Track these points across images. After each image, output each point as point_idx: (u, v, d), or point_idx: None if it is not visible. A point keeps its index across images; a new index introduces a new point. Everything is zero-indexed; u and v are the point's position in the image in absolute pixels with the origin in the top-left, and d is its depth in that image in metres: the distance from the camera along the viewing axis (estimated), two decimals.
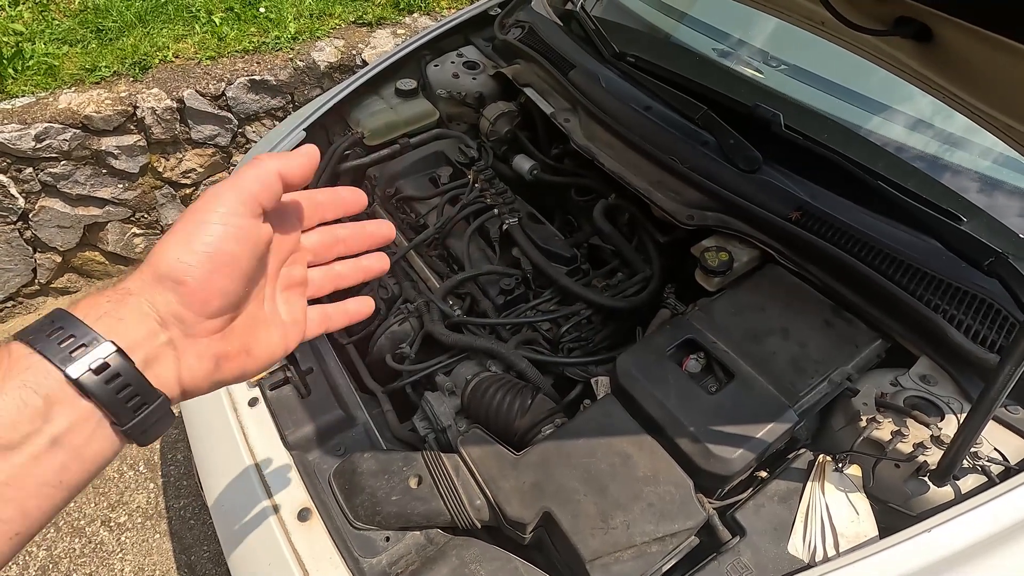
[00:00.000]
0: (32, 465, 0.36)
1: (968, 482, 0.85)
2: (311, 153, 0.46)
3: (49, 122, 2.22)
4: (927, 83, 0.96)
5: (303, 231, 0.52)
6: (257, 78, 2.55)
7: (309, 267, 0.52)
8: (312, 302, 0.53)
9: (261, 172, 0.44)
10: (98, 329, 0.38)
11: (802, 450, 0.93)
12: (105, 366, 0.38)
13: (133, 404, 0.39)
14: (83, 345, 0.38)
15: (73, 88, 2.36)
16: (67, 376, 0.37)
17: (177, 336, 0.41)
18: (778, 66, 1.45)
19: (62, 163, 2.31)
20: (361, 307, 0.56)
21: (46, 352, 0.37)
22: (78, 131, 2.28)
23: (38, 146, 2.22)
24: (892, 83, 1.03)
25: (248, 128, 2.66)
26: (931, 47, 0.91)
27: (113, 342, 0.38)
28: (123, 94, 2.36)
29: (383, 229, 0.55)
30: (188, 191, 2.69)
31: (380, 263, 0.56)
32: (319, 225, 0.53)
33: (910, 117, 1.24)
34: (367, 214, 1.52)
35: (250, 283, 0.45)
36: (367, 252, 0.55)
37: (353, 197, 0.53)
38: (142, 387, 0.39)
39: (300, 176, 0.46)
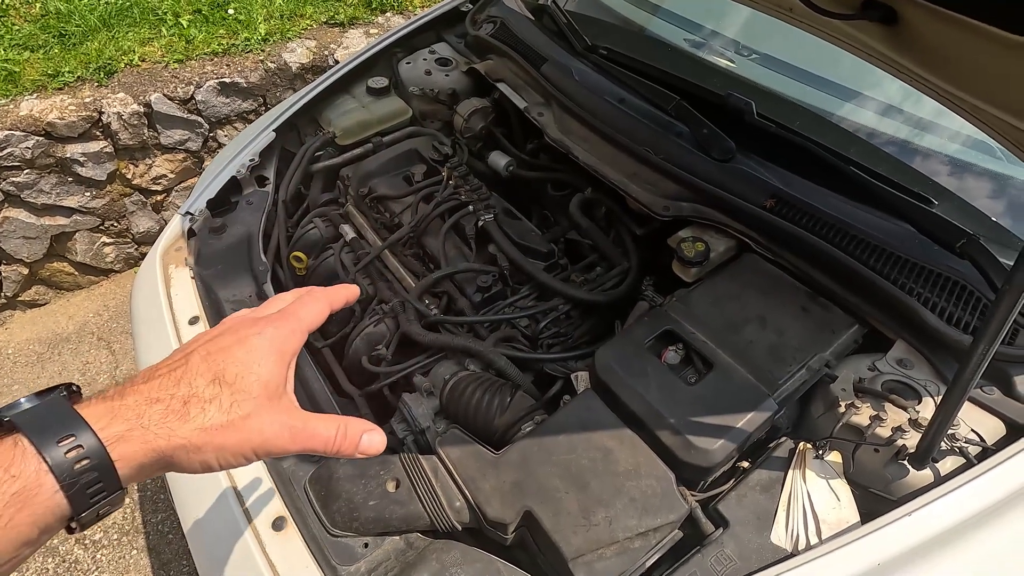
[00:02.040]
0: None
1: (947, 464, 0.85)
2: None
3: (10, 130, 2.15)
4: (895, 67, 0.96)
5: None
6: (227, 81, 2.50)
7: None
8: None
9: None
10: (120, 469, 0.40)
11: (783, 438, 0.92)
12: (103, 490, 0.39)
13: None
14: (104, 491, 0.39)
15: (35, 94, 2.29)
16: (71, 520, 0.39)
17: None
18: (750, 55, 1.45)
19: (25, 172, 2.24)
20: None
21: (75, 503, 0.38)
22: (41, 138, 2.21)
23: None
24: (862, 69, 1.03)
25: (219, 132, 2.60)
26: (898, 30, 0.91)
27: (124, 490, 0.41)
28: (87, 99, 2.30)
29: None
30: (159, 198, 2.63)
31: None
32: None
33: (880, 103, 1.25)
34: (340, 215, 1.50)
35: None
36: None
37: None
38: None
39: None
